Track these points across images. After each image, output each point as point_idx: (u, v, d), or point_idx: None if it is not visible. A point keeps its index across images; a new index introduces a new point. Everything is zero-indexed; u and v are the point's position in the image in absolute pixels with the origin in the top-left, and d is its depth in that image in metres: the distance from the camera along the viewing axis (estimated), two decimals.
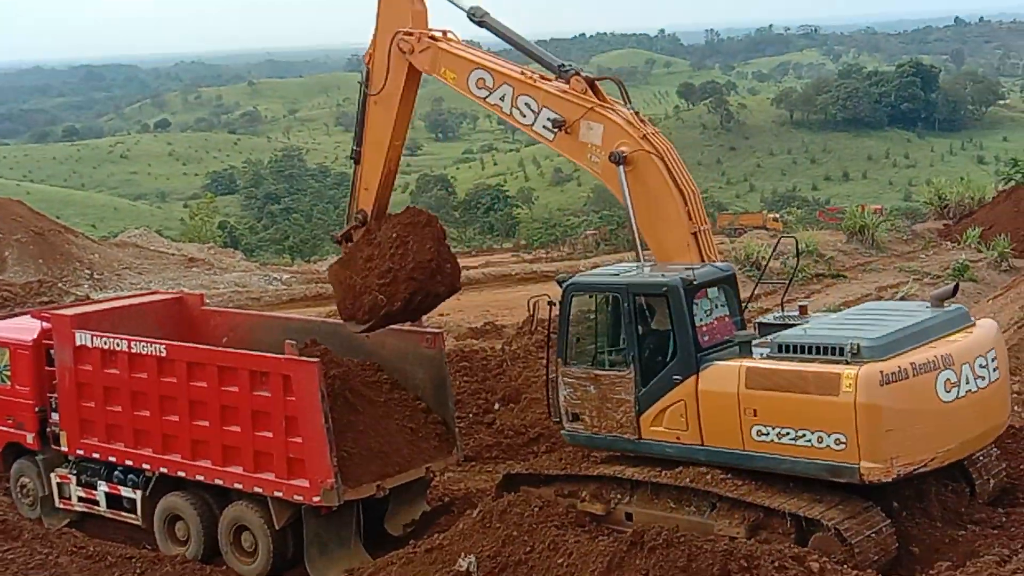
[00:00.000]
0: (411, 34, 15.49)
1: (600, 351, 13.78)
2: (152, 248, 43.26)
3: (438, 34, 15.52)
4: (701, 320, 13.04)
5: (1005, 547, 11.26)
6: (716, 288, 13.45)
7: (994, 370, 12.53)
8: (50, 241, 38.27)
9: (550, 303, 13.93)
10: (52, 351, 17.33)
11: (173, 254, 43.25)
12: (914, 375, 11.59)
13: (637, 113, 14.41)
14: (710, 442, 12.60)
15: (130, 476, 16.72)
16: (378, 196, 16.12)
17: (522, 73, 15.01)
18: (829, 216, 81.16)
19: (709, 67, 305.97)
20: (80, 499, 17.48)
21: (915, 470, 11.69)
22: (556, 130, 14.50)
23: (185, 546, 16.08)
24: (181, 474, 15.96)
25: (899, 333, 12.05)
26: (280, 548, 15.25)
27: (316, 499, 14.48)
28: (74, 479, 17.43)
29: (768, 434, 12.04)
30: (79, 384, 16.84)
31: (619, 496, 13.34)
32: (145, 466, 16.38)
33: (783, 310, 14.13)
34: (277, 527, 15.08)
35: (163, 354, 15.86)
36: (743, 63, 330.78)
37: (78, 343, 16.74)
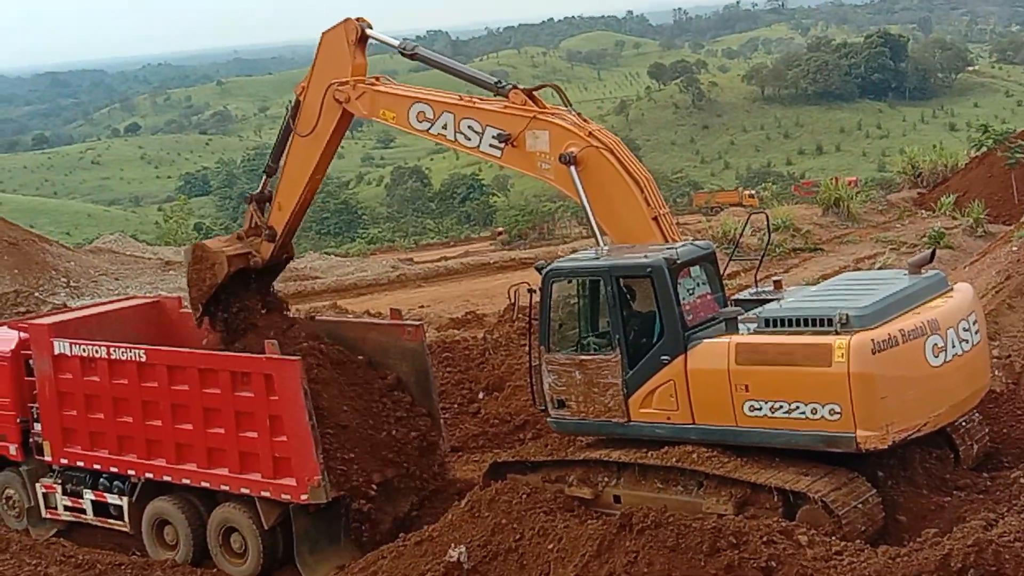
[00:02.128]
0: (346, 83, 15.72)
1: (584, 336, 13.74)
2: (128, 253, 43.02)
3: (372, 80, 15.68)
4: (685, 299, 13.02)
5: (991, 511, 11.29)
6: (698, 266, 13.47)
7: (975, 333, 12.66)
8: (24, 251, 37.95)
9: (530, 290, 13.90)
10: (31, 361, 17.25)
11: (149, 258, 43.01)
12: (904, 342, 11.65)
13: (579, 114, 14.53)
14: (701, 420, 12.59)
15: (116, 483, 16.66)
16: (289, 221, 16.73)
17: (460, 98, 15.19)
18: (804, 190, 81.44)
19: (679, 46, 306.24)
20: (67, 508, 17.40)
21: (909, 436, 11.79)
22: (503, 145, 14.61)
23: (175, 550, 16.06)
24: (167, 478, 15.92)
25: (885, 301, 12.10)
26: (270, 548, 15.24)
27: (304, 497, 14.47)
28: (59, 488, 17.36)
29: (761, 409, 12.05)
30: (60, 393, 16.77)
31: (606, 479, 13.35)
32: (130, 472, 16.34)
33: (757, 286, 14.17)
34: (266, 527, 15.07)
35: (143, 359, 15.80)
36: (712, 41, 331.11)
37: (57, 352, 16.66)
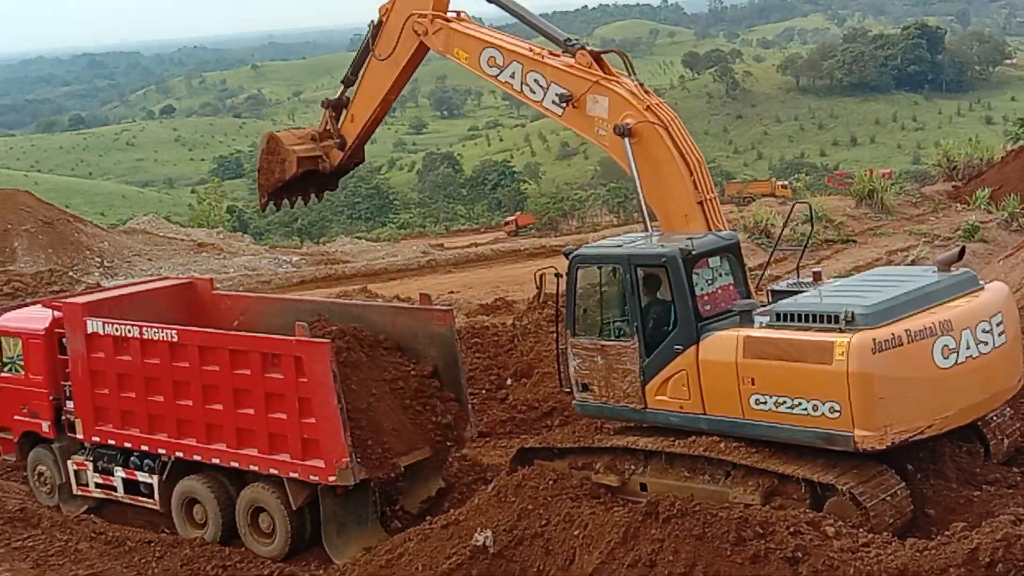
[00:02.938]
0: (426, 16, 15.83)
1: (605, 322, 13.80)
2: (161, 234, 43.34)
3: (451, 15, 15.67)
4: (703, 289, 13.03)
5: (1021, 506, 11.24)
6: (718, 257, 13.41)
7: (999, 335, 12.30)
8: (59, 230, 38.34)
9: (557, 275, 13.97)
10: (64, 340, 17.39)
11: (182, 240, 43.31)
12: (909, 342, 11.47)
13: (641, 84, 14.41)
14: (711, 411, 12.62)
15: (146, 461, 16.80)
16: (360, 133, 17.55)
17: (530, 49, 15.10)
18: (838, 182, 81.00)
19: (713, 35, 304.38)
20: (97, 485, 17.57)
21: (910, 438, 11.62)
22: (564, 105, 14.59)
23: (203, 529, 16.18)
24: (197, 458, 16.04)
25: (897, 299, 11.94)
26: (298, 528, 15.33)
27: (332, 479, 14.55)
28: (91, 466, 17.53)
29: (766, 403, 12.04)
30: (92, 371, 16.90)
31: (633, 467, 13.36)
32: (161, 451, 16.46)
33: (798, 276, 14.09)
34: (294, 508, 15.17)
35: (175, 339, 15.91)
36: (747, 30, 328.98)
37: (90, 331, 16.80)
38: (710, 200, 14.00)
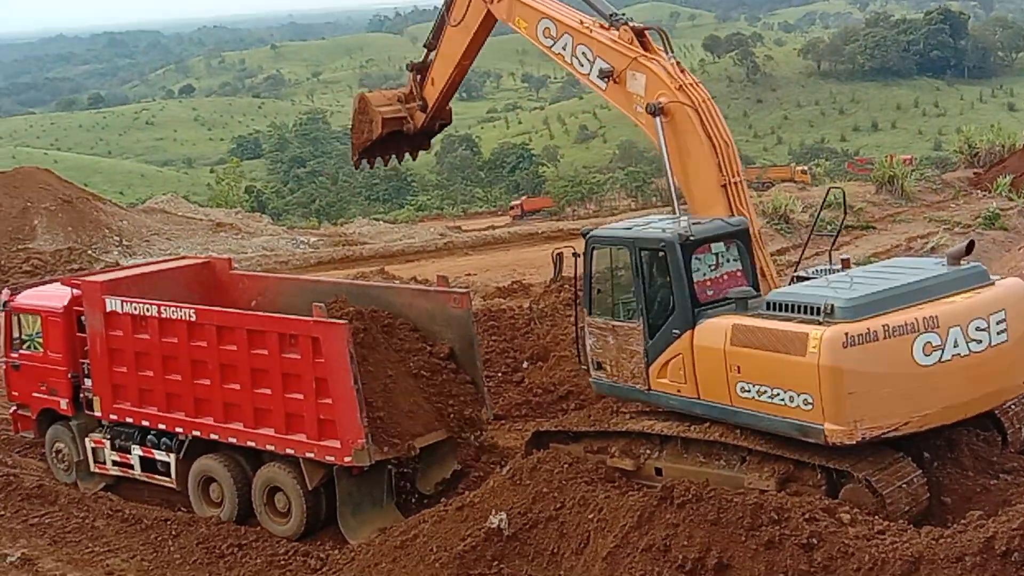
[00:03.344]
0: None
1: (616, 302, 13.93)
2: (180, 214, 43.41)
3: None
4: (705, 275, 13.07)
5: None
6: (723, 243, 13.38)
7: (999, 333, 11.92)
8: (79, 209, 38.45)
9: (575, 255, 14.10)
10: (83, 318, 17.47)
11: (201, 219, 43.38)
12: (885, 337, 11.28)
13: (678, 63, 14.34)
14: (705, 396, 12.68)
15: (163, 440, 16.87)
16: (439, 97, 18.26)
17: (580, 22, 15.16)
18: (858, 167, 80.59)
19: (734, 19, 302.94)
20: (114, 463, 17.66)
21: (883, 434, 11.47)
22: (606, 80, 14.73)
23: (219, 508, 16.25)
24: (214, 437, 16.10)
25: (886, 293, 11.75)
26: (313, 508, 15.39)
27: (347, 459, 14.59)
28: (108, 443, 17.62)
29: (750, 391, 12.05)
30: (111, 350, 16.97)
31: (648, 451, 13.37)
32: (178, 429, 16.53)
33: (830, 262, 14.00)
34: (310, 488, 15.22)
35: (193, 318, 15.95)
36: (769, 14, 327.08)
37: (109, 309, 16.86)
38: (734, 184, 13.91)
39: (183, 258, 22.28)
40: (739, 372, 12.10)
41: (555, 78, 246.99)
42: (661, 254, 13.01)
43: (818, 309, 11.51)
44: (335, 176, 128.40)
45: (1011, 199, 38.39)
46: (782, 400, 11.72)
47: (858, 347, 11.21)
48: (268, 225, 47.51)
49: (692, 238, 12.90)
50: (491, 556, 12.26)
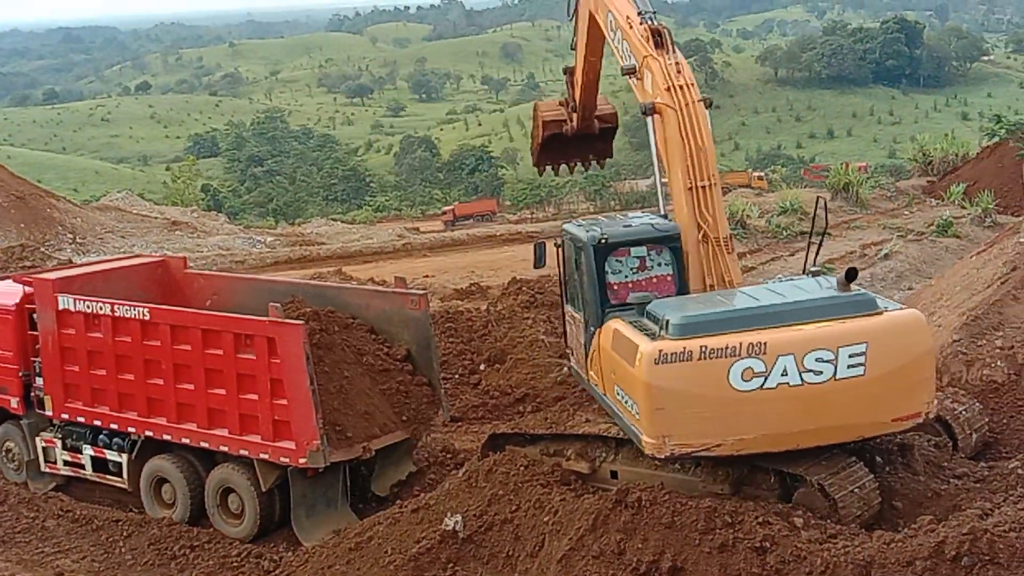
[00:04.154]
0: None
1: (573, 294, 14.51)
2: (134, 212, 43.02)
3: None
4: (627, 277, 13.37)
5: (987, 501, 11.32)
6: (649, 248, 13.50)
7: (851, 367, 11.30)
8: (31, 205, 37.99)
9: (557, 245, 14.70)
10: (35, 315, 17.26)
11: (156, 217, 43.02)
12: (701, 359, 11.21)
13: (677, 64, 14.35)
14: (605, 392, 13.15)
15: (115, 440, 16.71)
16: (581, 96, 18.20)
17: (627, 17, 15.14)
18: (814, 174, 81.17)
19: (693, 25, 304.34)
20: (66, 463, 17.47)
21: (694, 452, 11.45)
22: (630, 76, 14.92)
23: (172, 509, 16.12)
24: (167, 437, 15.97)
25: (726, 314, 11.72)
26: (267, 510, 15.30)
27: (302, 461, 14.51)
28: (59, 443, 17.42)
29: (619, 393, 12.45)
30: (63, 348, 16.79)
31: (604, 454, 13.40)
32: (130, 429, 16.38)
33: (814, 267, 13.86)
34: (264, 489, 15.13)
35: (147, 317, 15.82)
36: (728, 20, 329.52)
37: (61, 307, 16.68)
38: (701, 188, 13.88)
39: (137, 256, 22.08)
40: (614, 375, 12.56)
41: (515, 81, 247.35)
42: (582, 253, 13.61)
43: (660, 323, 11.71)
44: (293, 176, 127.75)
45: (964, 207, 38.91)
46: (629, 406, 12.08)
47: (670, 365, 11.25)
48: (224, 224, 47.20)
49: (605, 241, 13.25)
50: (446, 558, 12.25)
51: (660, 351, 11.31)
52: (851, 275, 11.93)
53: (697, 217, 13.58)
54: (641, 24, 14.80)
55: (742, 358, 11.18)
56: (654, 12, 15.05)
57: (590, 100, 18.44)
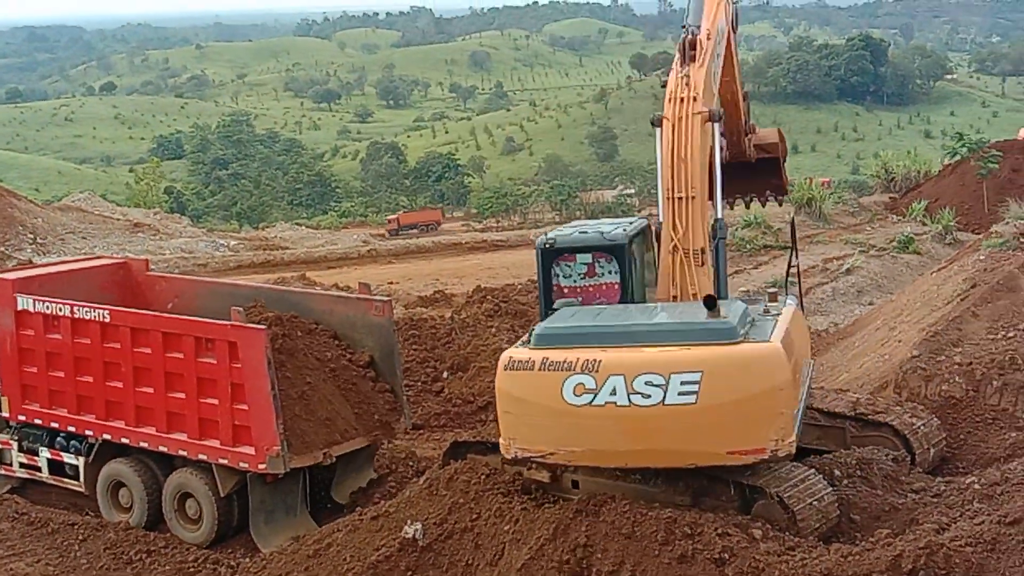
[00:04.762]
0: None
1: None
2: (97, 213, 42.72)
3: None
4: (575, 282, 13.42)
5: (944, 515, 11.42)
6: (595, 255, 13.52)
7: (682, 394, 11.15)
8: None
9: None
10: None
11: (118, 219, 42.74)
12: (539, 369, 11.46)
13: (687, 77, 14.33)
14: None
15: (73, 442, 16.54)
16: (733, 118, 16.76)
17: (706, 31, 15.04)
18: None
19: (662, 38, 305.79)
20: (22, 465, 17.27)
21: (533, 458, 11.85)
22: None
23: (129, 513, 15.96)
24: (125, 441, 15.82)
25: (585, 328, 11.86)
26: (225, 515, 15.18)
27: (262, 466, 14.42)
28: (15, 445, 17.22)
29: None
30: (21, 349, 16.61)
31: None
32: (88, 432, 16.21)
33: (787, 290, 14.11)
34: (222, 494, 15.01)
35: (107, 319, 15.68)
36: None
37: (20, 307, 16.50)
38: (678, 199, 13.94)
39: (99, 258, 21.90)
40: None
41: (483, 89, 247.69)
42: (536, 256, 13.58)
43: (530, 331, 12.02)
44: (258, 179, 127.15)
45: (925, 224, 39.37)
46: None
47: (516, 372, 11.54)
48: (187, 227, 46.98)
49: (551, 245, 13.37)
50: (405, 566, 12.19)
51: (511, 358, 11.63)
52: (708, 303, 11.73)
53: (670, 227, 13.64)
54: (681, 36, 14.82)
55: (576, 373, 11.29)
56: (697, 25, 14.93)
57: (733, 124, 17.07)
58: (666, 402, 11.08)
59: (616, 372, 11.19)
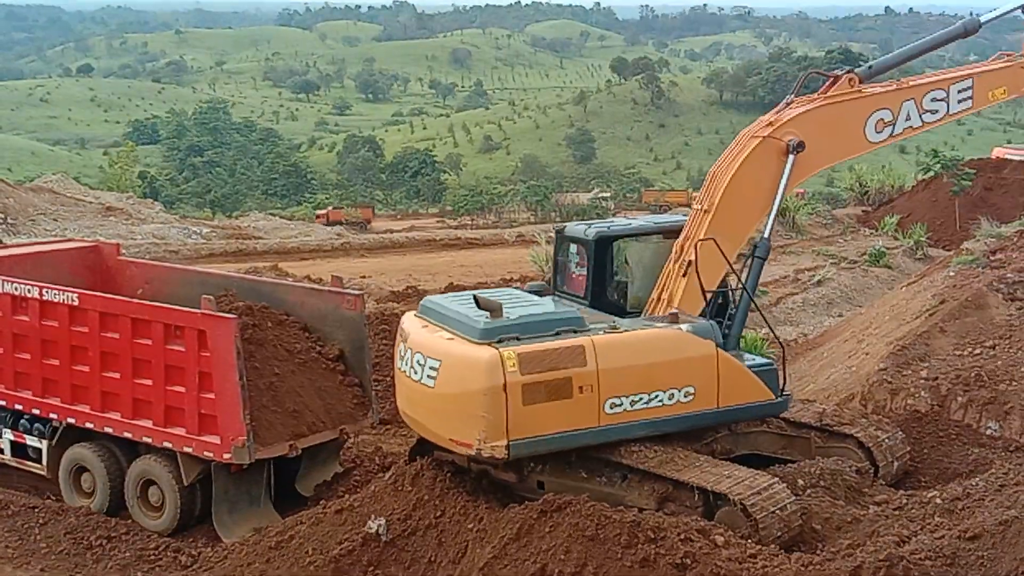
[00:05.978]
0: None
1: None
2: (69, 195, 42.41)
3: None
4: (572, 269, 14.78)
5: (905, 528, 11.50)
6: (577, 248, 14.69)
7: (429, 377, 12.45)
8: None
9: None
10: None
11: (91, 202, 42.45)
12: (402, 340, 13.32)
13: (788, 103, 14.43)
14: None
15: (36, 425, 16.41)
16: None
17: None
18: None
19: (643, 43, 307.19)
20: None
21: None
22: None
23: (90, 498, 15.85)
24: (89, 425, 15.71)
25: (445, 309, 13.03)
26: (188, 504, 15.10)
27: (227, 456, 14.35)
28: None
29: None
30: None
31: (532, 464, 13.35)
32: (52, 416, 16.10)
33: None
34: (186, 483, 14.93)
35: (75, 303, 15.57)
36: (676, 41, 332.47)
37: None
38: (698, 209, 14.07)
39: (69, 240, 21.78)
40: None
41: (463, 87, 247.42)
42: None
43: None
44: (233, 168, 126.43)
45: (896, 239, 39.66)
46: None
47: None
48: (160, 212, 46.69)
49: (563, 233, 14.90)
50: (367, 561, 12.18)
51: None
52: (488, 306, 12.35)
53: (690, 236, 13.76)
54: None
55: (403, 343, 13.11)
56: (847, 67, 15.03)
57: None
58: (420, 380, 12.59)
59: (417, 349, 12.73)
